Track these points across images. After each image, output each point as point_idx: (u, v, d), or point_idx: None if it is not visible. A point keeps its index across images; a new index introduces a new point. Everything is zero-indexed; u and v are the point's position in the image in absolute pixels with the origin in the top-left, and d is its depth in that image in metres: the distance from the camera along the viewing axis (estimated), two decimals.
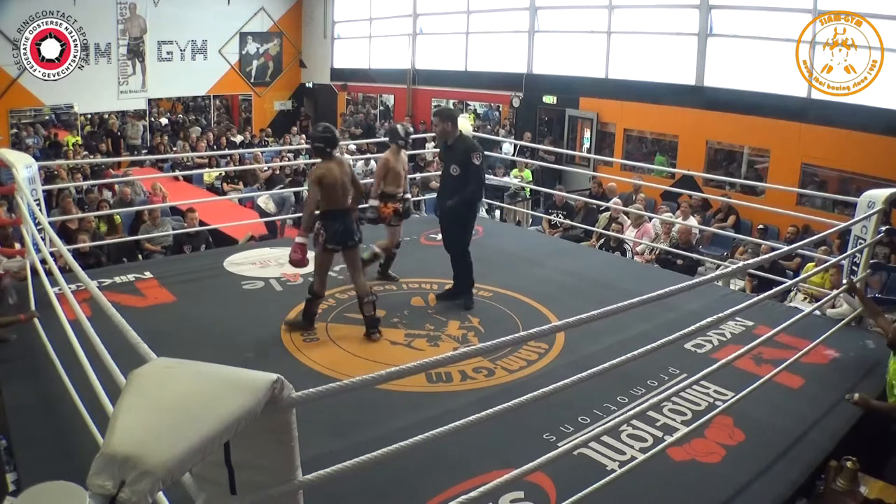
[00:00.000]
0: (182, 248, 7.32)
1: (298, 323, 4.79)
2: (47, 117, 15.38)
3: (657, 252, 7.67)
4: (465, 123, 8.25)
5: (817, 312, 4.91)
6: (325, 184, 4.44)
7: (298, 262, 4.58)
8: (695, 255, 7.32)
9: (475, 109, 15.00)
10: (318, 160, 4.63)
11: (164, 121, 18.04)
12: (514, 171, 11.34)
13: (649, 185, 9.89)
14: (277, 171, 11.25)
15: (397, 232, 5.83)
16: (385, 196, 5.68)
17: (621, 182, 9.70)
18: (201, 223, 7.71)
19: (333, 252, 4.59)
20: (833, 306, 5.83)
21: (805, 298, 6.41)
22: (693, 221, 8.40)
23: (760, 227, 8.31)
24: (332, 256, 4.66)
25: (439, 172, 9.82)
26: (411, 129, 6.16)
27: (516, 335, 2.51)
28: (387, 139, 5.93)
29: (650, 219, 8.26)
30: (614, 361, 2.69)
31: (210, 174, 11.76)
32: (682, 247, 7.49)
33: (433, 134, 13.21)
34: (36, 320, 4.24)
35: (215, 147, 13.98)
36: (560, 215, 9.03)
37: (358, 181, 4.77)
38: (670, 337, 2.90)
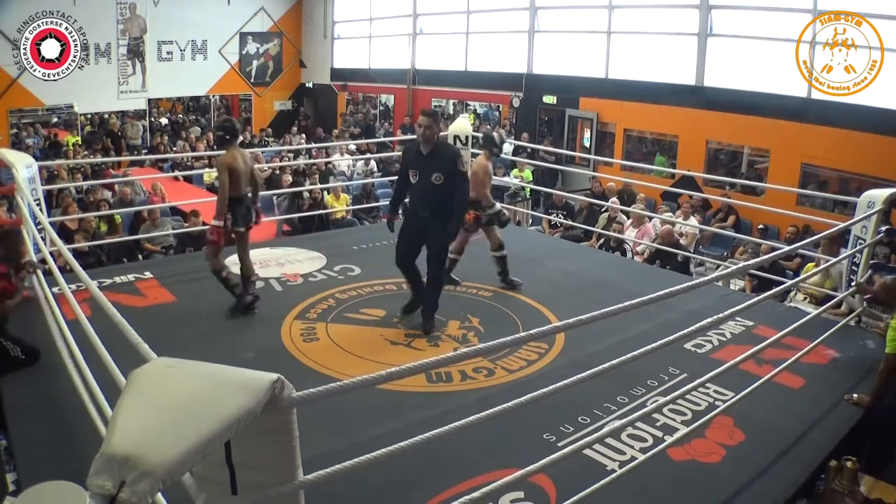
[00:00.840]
0: (185, 249, 7.34)
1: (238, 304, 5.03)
2: (56, 119, 15.39)
3: (652, 251, 7.67)
4: (464, 123, 8.26)
5: (825, 315, 4.90)
6: (232, 172, 4.77)
7: (215, 242, 4.91)
8: (681, 254, 7.33)
9: (475, 109, 14.99)
10: (223, 150, 4.96)
11: (164, 121, 18.04)
12: (515, 171, 11.34)
13: (647, 184, 9.88)
14: (277, 171, 11.24)
15: (467, 239, 5.76)
16: (475, 206, 5.54)
17: (621, 182, 9.70)
18: (203, 224, 7.71)
19: (240, 233, 4.98)
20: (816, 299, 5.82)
21: (805, 299, 6.40)
22: (693, 221, 8.40)
23: (760, 227, 8.31)
24: (241, 237, 5.03)
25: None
26: (506, 137, 6.10)
27: (516, 335, 2.51)
28: (481, 144, 5.78)
29: (650, 219, 8.26)
30: (614, 361, 2.69)
31: (210, 174, 11.76)
32: (666, 246, 7.48)
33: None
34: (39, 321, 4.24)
35: (215, 147, 13.95)
36: (560, 215, 9.03)
37: (256, 172, 5.13)
38: (670, 337, 2.90)
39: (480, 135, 6.36)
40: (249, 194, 4.99)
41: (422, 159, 4.71)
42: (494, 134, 5.77)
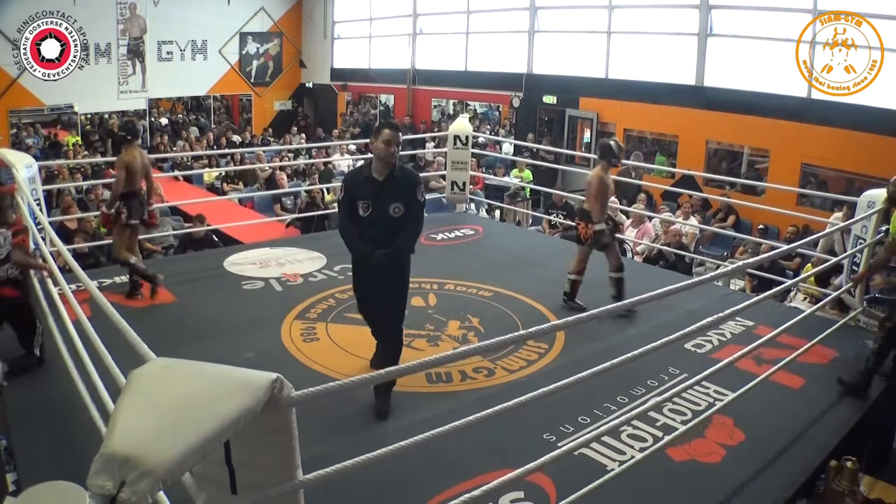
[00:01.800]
0: (186, 249, 7.34)
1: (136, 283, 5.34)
2: (67, 118, 15.37)
3: (653, 251, 7.68)
4: (464, 123, 8.27)
5: (819, 313, 4.91)
6: (129, 169, 5.19)
7: (106, 223, 5.50)
8: (687, 256, 7.32)
9: (475, 109, 15.00)
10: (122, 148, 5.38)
11: (163, 121, 18.04)
12: (515, 171, 11.35)
13: (647, 184, 9.88)
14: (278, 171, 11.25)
15: (586, 256, 5.33)
16: (587, 216, 5.20)
17: (622, 182, 9.70)
18: (207, 224, 7.71)
19: (134, 225, 5.33)
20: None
21: (805, 298, 6.40)
22: (693, 221, 8.40)
23: (760, 226, 8.31)
24: (135, 229, 5.38)
25: (440, 172, 9.88)
26: (623, 145, 5.51)
27: (516, 334, 2.51)
28: (598, 156, 5.28)
29: (650, 219, 8.26)
30: (614, 361, 2.69)
31: (210, 174, 11.77)
32: (672, 247, 7.49)
33: (434, 134, 13.15)
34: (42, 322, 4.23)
35: (215, 147, 13.97)
36: (560, 215, 9.03)
37: (151, 172, 5.52)
38: (670, 337, 2.90)
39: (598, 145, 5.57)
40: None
41: (376, 187, 3.72)
42: (611, 142, 5.22)
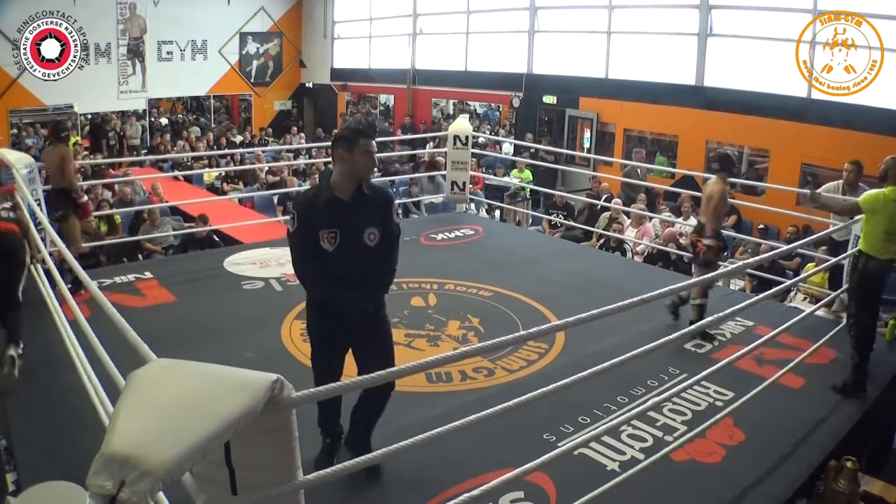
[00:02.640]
0: (187, 249, 7.35)
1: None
2: (69, 117, 15.36)
3: (654, 251, 7.68)
4: (464, 122, 8.27)
5: (819, 313, 4.91)
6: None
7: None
8: (686, 256, 7.32)
9: (475, 109, 15.00)
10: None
11: (163, 121, 18.05)
12: (514, 171, 11.35)
13: (647, 184, 9.88)
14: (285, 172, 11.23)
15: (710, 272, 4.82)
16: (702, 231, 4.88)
17: (620, 181, 9.71)
18: (210, 226, 7.71)
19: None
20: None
21: (805, 298, 6.41)
22: (693, 221, 8.39)
23: (760, 227, 8.31)
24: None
25: (438, 172, 9.85)
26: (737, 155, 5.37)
27: (516, 335, 2.51)
28: (715, 167, 5.06)
29: (650, 219, 8.27)
30: (614, 361, 2.69)
31: (210, 174, 11.77)
32: (669, 248, 7.50)
33: (434, 134, 13.11)
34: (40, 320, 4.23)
35: (215, 147, 13.97)
36: (560, 215, 9.04)
37: (67, 174, 5.51)
38: (670, 337, 2.90)
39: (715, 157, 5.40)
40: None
41: (344, 210, 2.91)
42: (730, 152, 5.01)
